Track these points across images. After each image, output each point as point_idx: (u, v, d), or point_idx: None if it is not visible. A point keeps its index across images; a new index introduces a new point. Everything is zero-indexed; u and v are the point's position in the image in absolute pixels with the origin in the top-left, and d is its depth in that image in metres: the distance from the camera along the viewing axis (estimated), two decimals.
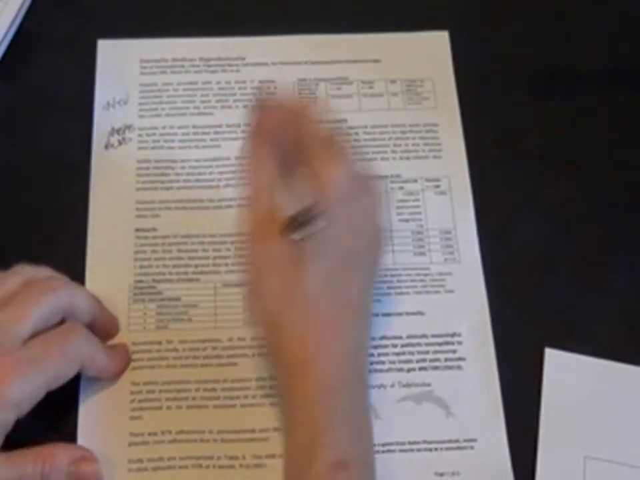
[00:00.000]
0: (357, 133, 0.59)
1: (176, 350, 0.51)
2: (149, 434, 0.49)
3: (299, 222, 0.46)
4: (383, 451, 0.49)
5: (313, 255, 0.46)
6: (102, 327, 0.51)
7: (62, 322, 0.48)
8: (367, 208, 0.48)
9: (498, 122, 0.59)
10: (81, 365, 0.47)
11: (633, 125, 0.59)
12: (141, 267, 0.54)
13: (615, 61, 0.62)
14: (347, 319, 0.46)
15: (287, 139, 0.48)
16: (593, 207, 0.57)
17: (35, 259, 0.53)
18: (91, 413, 0.49)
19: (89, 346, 0.48)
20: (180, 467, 0.48)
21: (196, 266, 0.54)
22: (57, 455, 0.46)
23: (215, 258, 0.54)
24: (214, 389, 0.50)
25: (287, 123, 0.48)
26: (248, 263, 0.48)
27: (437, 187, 0.57)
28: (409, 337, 0.52)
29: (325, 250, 0.46)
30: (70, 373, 0.47)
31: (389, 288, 0.54)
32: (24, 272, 0.49)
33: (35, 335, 0.46)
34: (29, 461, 0.45)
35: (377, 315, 0.53)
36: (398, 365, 0.52)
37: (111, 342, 0.52)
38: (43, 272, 0.49)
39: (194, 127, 0.59)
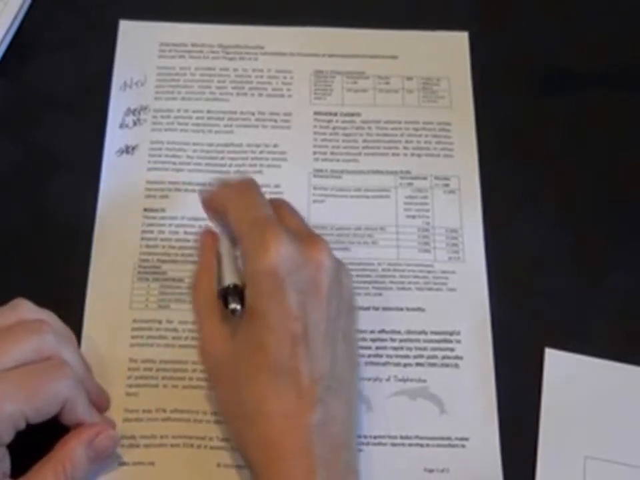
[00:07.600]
0: (370, 128, 0.59)
1: (176, 330, 0.52)
2: (144, 411, 0.49)
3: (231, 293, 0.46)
4: (374, 444, 0.49)
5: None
6: (89, 397, 0.47)
7: None
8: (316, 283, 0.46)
9: (511, 125, 0.59)
10: (62, 406, 0.45)
11: None
12: (147, 246, 0.54)
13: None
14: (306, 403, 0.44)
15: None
16: (598, 206, 0.57)
17: (44, 231, 0.55)
18: None
19: (72, 390, 0.45)
20: (172, 445, 0.48)
21: None
22: (72, 449, 0.45)
23: None
24: None
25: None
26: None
27: (446, 185, 0.57)
28: (408, 332, 0.53)
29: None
30: (49, 411, 0.44)
31: (391, 282, 0.54)
32: (20, 309, 0.47)
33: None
34: (49, 473, 0.44)
35: (377, 308, 0.53)
36: (395, 360, 0.52)
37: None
38: (41, 313, 0.47)
39: (208, 111, 0.59)
